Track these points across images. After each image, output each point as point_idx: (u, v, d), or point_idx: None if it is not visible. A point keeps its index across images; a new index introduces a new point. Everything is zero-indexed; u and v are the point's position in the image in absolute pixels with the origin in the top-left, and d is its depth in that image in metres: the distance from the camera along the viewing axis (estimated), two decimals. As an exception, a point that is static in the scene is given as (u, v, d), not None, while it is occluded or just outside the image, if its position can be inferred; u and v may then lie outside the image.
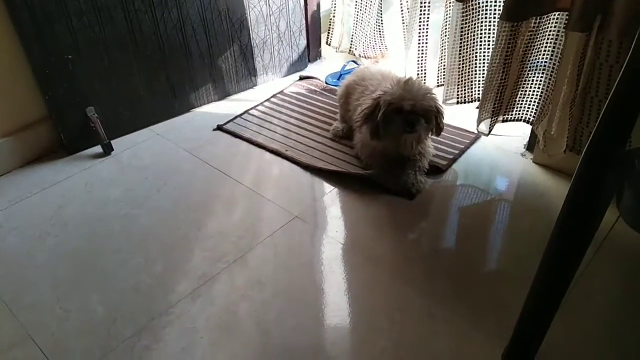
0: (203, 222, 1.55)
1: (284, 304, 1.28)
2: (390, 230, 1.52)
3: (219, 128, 2.00)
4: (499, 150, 1.81)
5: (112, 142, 1.88)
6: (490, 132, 1.69)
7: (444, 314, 1.24)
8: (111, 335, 1.22)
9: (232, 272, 1.37)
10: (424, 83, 1.59)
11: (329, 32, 2.20)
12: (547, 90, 1.54)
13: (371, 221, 1.55)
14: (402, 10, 1.89)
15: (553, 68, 1.49)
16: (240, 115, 2.08)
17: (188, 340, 1.20)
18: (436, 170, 1.71)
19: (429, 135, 1.64)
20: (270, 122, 2.03)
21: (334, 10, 2.11)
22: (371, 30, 2.14)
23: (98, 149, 1.88)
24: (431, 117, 1.54)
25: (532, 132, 1.75)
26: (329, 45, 2.22)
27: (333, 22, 2.16)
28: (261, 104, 2.16)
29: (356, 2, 2.02)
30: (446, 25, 1.74)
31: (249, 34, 2.14)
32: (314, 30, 2.39)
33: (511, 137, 1.85)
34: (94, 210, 1.62)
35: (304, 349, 1.17)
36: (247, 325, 1.23)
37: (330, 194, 1.66)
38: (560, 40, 1.43)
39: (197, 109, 2.14)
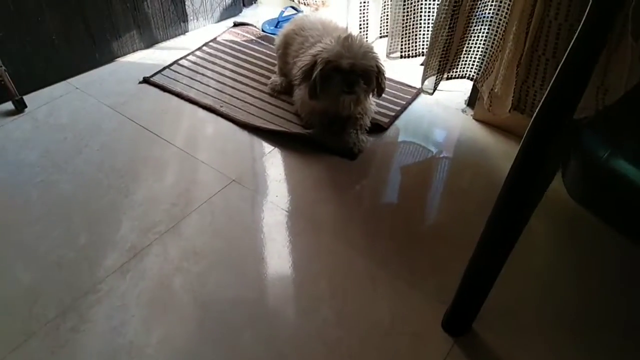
0: (131, 188, 1.44)
1: (222, 275, 1.22)
2: (331, 192, 1.47)
3: (146, 81, 1.84)
4: (440, 107, 1.78)
5: (25, 97, 1.69)
6: (435, 90, 1.64)
7: (385, 277, 1.22)
8: (32, 317, 1.12)
9: (165, 242, 1.29)
10: (366, 40, 1.50)
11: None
12: (492, 47, 1.49)
13: (312, 183, 1.49)
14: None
15: (499, 24, 1.44)
16: (169, 66, 1.92)
17: (119, 319, 1.12)
18: (378, 128, 1.66)
19: (370, 96, 1.57)
20: (203, 75, 1.89)
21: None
22: (310, -25, 1.99)
23: (9, 105, 1.68)
24: (371, 78, 1.47)
25: (474, 88, 1.73)
26: None
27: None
28: (192, 53, 2.00)
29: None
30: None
31: (176, -25, 1.95)
32: (249, -29, 2.22)
33: (452, 92, 1.82)
34: (7, 176, 1.46)
35: (243, 322, 1.12)
36: (182, 299, 1.17)
37: (269, 154, 1.57)
38: (508, -6, 1.38)
39: (121, 59, 1.96)
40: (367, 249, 1.30)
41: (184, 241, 1.29)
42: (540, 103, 0.87)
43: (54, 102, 1.73)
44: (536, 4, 1.33)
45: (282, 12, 2.20)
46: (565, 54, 0.82)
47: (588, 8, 0.79)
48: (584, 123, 0.84)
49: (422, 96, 1.81)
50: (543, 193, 0.96)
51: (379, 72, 1.48)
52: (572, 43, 0.81)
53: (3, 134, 1.59)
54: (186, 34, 2.12)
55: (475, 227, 1.31)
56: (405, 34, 1.64)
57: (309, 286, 1.21)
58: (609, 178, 0.79)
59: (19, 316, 1.12)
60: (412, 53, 1.68)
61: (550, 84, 0.85)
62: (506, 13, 1.41)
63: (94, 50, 1.85)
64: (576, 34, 0.81)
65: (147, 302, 1.16)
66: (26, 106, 1.68)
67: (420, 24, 1.62)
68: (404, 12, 1.59)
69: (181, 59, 1.96)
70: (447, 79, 1.65)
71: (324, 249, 1.30)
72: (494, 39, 1.48)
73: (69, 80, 1.83)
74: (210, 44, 2.06)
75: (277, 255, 1.28)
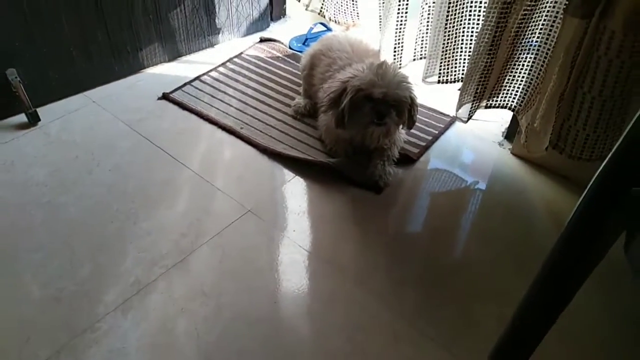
0: (140, 214, 1.35)
1: (230, 321, 1.11)
2: (355, 229, 1.35)
3: (165, 97, 1.76)
4: (475, 138, 1.65)
5: (40, 110, 1.63)
6: (469, 118, 1.52)
7: (410, 334, 1.10)
8: (23, 357, 1.03)
9: (171, 278, 1.19)
10: (399, 68, 1.39)
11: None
12: (536, 78, 1.37)
13: (334, 218, 1.38)
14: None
15: (546, 54, 1.32)
16: (190, 82, 1.83)
17: (115, 364, 1.03)
18: (407, 159, 1.54)
19: (400, 128, 1.47)
20: (225, 92, 1.80)
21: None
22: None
23: (22, 117, 1.61)
24: (404, 109, 1.36)
25: (513, 120, 1.60)
26: (299, 1, 1.96)
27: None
28: (215, 68, 1.92)
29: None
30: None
31: (203, -12, 1.87)
32: (279, -15, 2.14)
33: (489, 123, 1.69)
34: (14, 194, 1.38)
35: (250, 377, 1.02)
36: (185, 347, 1.06)
37: (289, 183, 1.47)
38: (558, 23, 1.25)
39: (142, 72, 1.88)
40: (392, 299, 1.18)
41: (191, 278, 1.19)
42: (601, 167, 0.75)
43: (68, 116, 1.66)
44: (585, 36, 1.20)
45: (311, 28, 2.10)
46: (633, 120, 0.70)
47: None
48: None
49: (456, 126, 1.68)
50: (595, 266, 0.83)
51: (412, 104, 1.37)
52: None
53: (14, 149, 1.53)
54: (211, 47, 2.04)
55: (509, 278, 1.19)
56: (445, 57, 1.52)
57: (324, 339, 1.09)
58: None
59: (9, 355, 1.04)
60: (451, 78, 1.56)
61: (614, 150, 0.72)
62: (553, 44, 1.29)
63: (113, 62, 1.78)
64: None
65: (148, 347, 1.06)
66: (39, 119, 1.61)
67: (462, 47, 1.50)
68: (445, 35, 1.47)
69: (204, 74, 1.88)
70: (486, 107, 1.53)
71: (344, 297, 1.18)
72: (539, 69, 1.35)
73: (85, 92, 1.75)
74: (235, 59, 1.97)
75: (292, 300, 1.17)
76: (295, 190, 1.45)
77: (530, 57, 1.39)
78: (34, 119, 1.61)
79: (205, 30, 1.98)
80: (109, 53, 1.75)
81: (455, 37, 1.47)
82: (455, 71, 1.54)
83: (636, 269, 0.72)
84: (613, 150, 0.73)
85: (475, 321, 1.14)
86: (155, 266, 1.21)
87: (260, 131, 1.63)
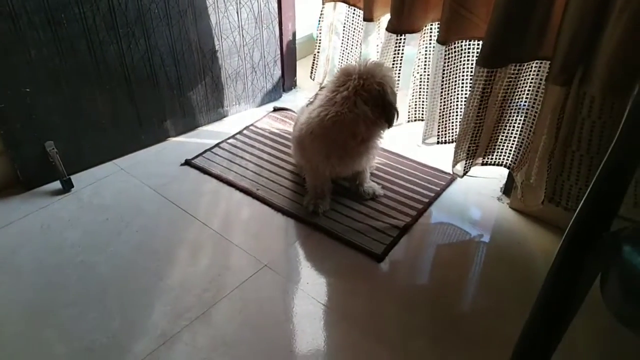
0: (165, 271, 1.46)
1: (250, 368, 1.20)
2: (364, 282, 1.45)
3: (187, 163, 1.91)
4: (475, 194, 1.77)
5: (73, 177, 1.78)
6: (465, 173, 1.63)
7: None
8: (59, 405, 1.12)
9: (195, 330, 1.29)
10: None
11: (312, 67, 2.08)
12: (527, 138, 1.50)
13: (346, 271, 1.48)
14: (377, 46, 1.83)
15: (534, 116, 1.45)
16: (210, 149, 1.99)
17: (144, 411, 1.11)
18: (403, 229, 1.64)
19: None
20: (242, 157, 1.95)
21: (319, 45, 2.01)
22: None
23: (57, 184, 1.77)
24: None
25: (509, 176, 1.72)
26: (313, 80, 2.14)
27: (317, 58, 2.04)
28: (233, 136, 2.08)
29: (342, 38, 1.94)
30: (423, 63, 1.68)
31: (221, 65, 2.06)
32: (290, 60, 2.33)
33: (488, 179, 1.81)
34: (50, 255, 1.51)
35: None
36: (209, 393, 1.15)
37: (303, 238, 1.58)
38: (542, 89, 1.39)
39: (166, 141, 2.05)
40: (401, 348, 1.26)
41: (213, 329, 1.29)
42: (574, 216, 0.86)
43: (99, 182, 1.81)
44: (567, 101, 1.34)
45: (320, 96, 2.27)
46: (598, 171, 0.81)
47: (628, 109, 0.79)
48: (624, 235, 0.81)
49: (457, 183, 1.80)
50: (579, 304, 0.92)
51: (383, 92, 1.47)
52: (606, 155, 0.81)
53: (49, 213, 1.67)
54: (228, 117, 2.22)
55: (515, 325, 1.26)
56: (442, 120, 1.66)
57: (338, 384, 1.17)
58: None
59: (47, 403, 1.12)
60: (448, 139, 1.69)
61: (583, 200, 0.83)
62: (539, 107, 1.42)
63: (140, 133, 1.95)
64: (612, 145, 0.80)
65: (174, 394, 1.14)
66: (73, 186, 1.76)
67: (456, 111, 1.65)
68: (441, 102, 1.62)
69: (222, 142, 2.04)
70: (483, 164, 1.65)
71: (356, 347, 1.26)
72: (529, 130, 1.48)
73: (114, 160, 1.91)
74: (251, 127, 2.14)
75: (306, 350, 1.25)
76: (308, 246, 1.56)
77: (520, 119, 1.53)
78: (68, 186, 1.76)
79: (222, 103, 2.16)
80: (136, 125, 1.93)
81: (450, 102, 1.62)
82: (452, 132, 1.68)
83: (611, 308, 0.81)
84: (582, 200, 0.85)
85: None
86: (180, 319, 1.31)
87: (275, 192, 1.76)
